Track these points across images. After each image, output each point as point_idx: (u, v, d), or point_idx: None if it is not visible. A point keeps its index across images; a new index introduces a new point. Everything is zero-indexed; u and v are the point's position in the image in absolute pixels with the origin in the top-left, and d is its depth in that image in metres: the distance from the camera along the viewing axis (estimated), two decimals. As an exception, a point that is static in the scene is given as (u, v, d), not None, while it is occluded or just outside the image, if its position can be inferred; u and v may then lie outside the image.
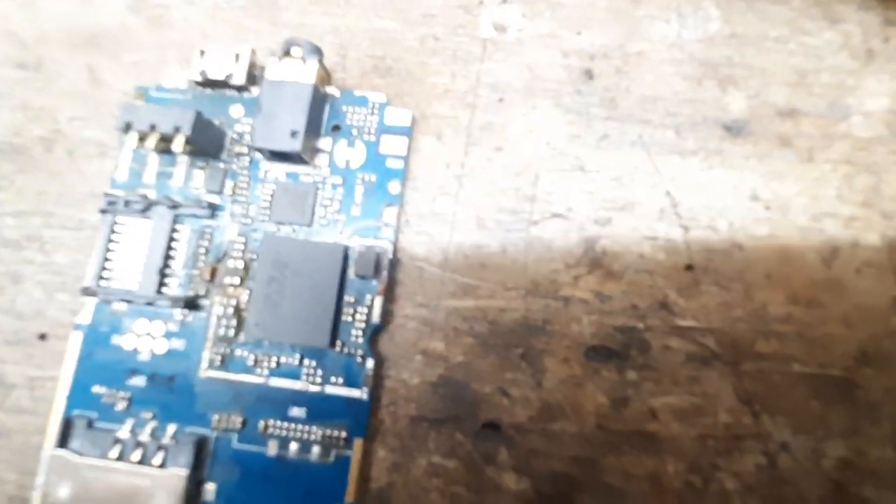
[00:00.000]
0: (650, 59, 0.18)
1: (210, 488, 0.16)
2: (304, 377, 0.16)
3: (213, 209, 0.17)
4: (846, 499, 0.15)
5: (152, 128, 0.16)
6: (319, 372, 0.16)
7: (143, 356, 0.17)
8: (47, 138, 0.19)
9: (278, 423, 0.16)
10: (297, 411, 0.16)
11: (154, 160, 0.18)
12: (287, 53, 0.17)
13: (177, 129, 0.16)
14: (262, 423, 0.16)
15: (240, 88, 0.18)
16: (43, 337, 0.17)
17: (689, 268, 0.17)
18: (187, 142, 0.16)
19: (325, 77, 0.18)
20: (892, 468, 0.15)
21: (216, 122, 0.18)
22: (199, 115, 0.16)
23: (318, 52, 0.17)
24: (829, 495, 0.15)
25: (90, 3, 0.20)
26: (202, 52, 0.18)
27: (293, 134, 0.17)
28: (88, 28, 0.20)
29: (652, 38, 0.18)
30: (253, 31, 0.19)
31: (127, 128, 0.16)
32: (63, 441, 0.16)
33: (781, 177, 0.17)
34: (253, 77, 0.18)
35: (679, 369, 0.16)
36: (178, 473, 0.15)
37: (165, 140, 0.16)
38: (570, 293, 0.17)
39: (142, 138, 0.17)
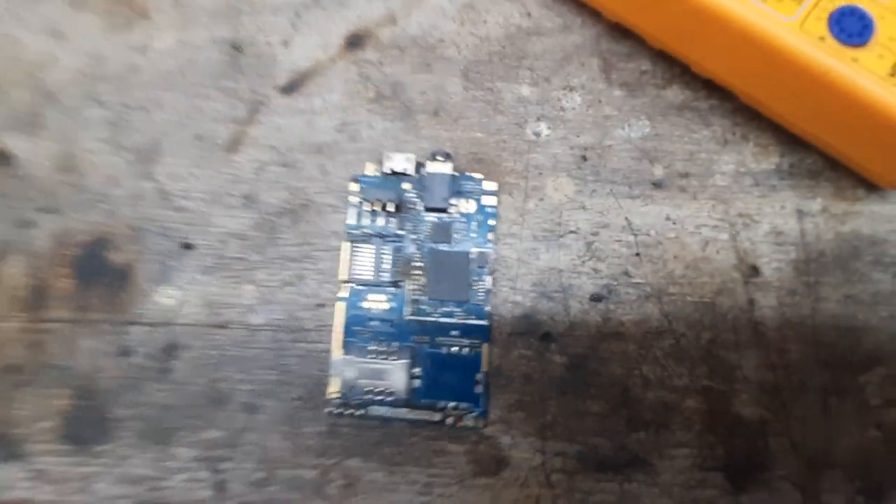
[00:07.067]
0: (615, 149, 0.36)
1: (417, 371, 0.33)
2: (456, 316, 0.34)
3: (400, 238, 0.35)
4: (714, 362, 0.33)
5: (378, 199, 0.34)
6: (463, 313, 0.34)
7: (376, 311, 0.34)
8: (305, 204, 0.36)
9: (445, 338, 0.33)
10: (454, 332, 0.33)
11: (367, 213, 0.35)
12: (434, 158, 0.35)
13: (390, 200, 0.34)
14: (439, 338, 0.33)
15: (408, 175, 0.35)
16: (321, 305, 0.35)
17: (637, 254, 0.34)
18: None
19: (453, 167, 0.35)
20: (744, 339, 0.33)
21: (398, 193, 0.35)
22: (400, 193, 0.34)
23: (449, 156, 0.35)
24: (702, 359, 0.33)
25: (314, 127, 0.37)
26: (389, 157, 0.35)
27: (443, 199, 0.34)
28: (316, 142, 0.37)
29: (615, 137, 0.36)
30: (406, 140, 0.37)
31: (365, 198, 0.34)
32: (345, 352, 0.33)
33: (681, 208, 0.35)
34: (416, 167, 0.35)
35: (633, 302, 0.34)
36: (403, 362, 0.33)
37: (382, 205, 0.34)
38: (579, 269, 0.34)
39: (369, 202, 0.34)
